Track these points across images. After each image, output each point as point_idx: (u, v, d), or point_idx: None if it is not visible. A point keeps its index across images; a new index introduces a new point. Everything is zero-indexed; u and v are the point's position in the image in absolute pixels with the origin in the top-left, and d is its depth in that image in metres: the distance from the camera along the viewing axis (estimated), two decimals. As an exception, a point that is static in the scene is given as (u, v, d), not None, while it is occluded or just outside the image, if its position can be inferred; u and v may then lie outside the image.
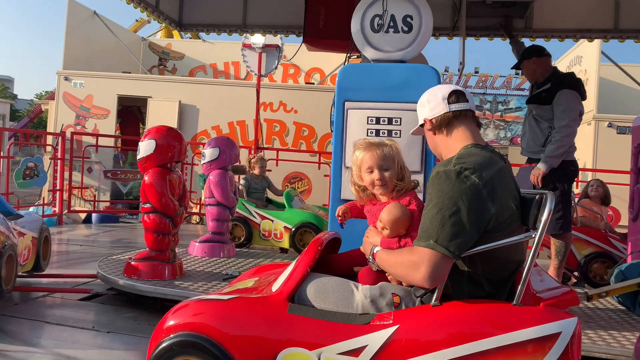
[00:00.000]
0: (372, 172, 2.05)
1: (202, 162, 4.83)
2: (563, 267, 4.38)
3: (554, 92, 4.22)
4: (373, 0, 3.63)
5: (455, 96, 1.93)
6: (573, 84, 4.27)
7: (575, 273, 5.11)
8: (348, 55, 4.47)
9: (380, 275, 1.91)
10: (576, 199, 5.49)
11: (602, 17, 5.13)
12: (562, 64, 10.06)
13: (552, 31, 5.32)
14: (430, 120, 1.97)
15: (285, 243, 5.64)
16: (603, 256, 4.93)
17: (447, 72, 21.45)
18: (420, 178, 3.35)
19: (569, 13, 5.23)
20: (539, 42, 5.36)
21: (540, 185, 4.17)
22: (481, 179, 1.69)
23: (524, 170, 4.50)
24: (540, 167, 4.16)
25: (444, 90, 1.95)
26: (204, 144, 5.13)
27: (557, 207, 4.17)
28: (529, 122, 4.49)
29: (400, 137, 3.35)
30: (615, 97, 8.36)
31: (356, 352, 1.70)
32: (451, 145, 1.92)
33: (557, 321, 1.62)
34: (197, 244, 4.69)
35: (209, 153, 4.74)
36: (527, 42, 5.45)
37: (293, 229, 5.58)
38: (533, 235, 1.71)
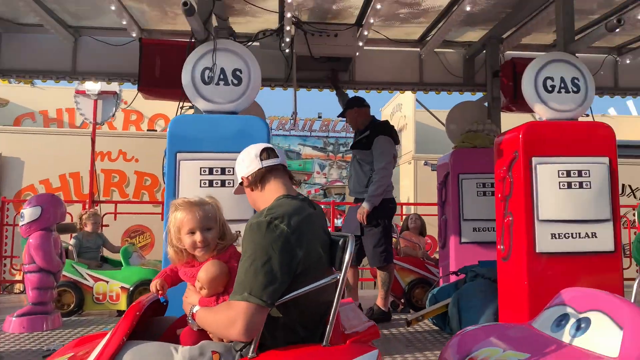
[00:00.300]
0: (193, 233, 1.99)
1: (21, 223, 4.39)
2: (389, 295, 4.81)
3: (372, 138, 4.74)
4: (203, 53, 3.74)
5: (267, 153, 2.09)
6: (387, 131, 4.84)
7: (402, 300, 5.63)
8: (181, 105, 4.51)
9: (202, 335, 1.91)
10: (398, 232, 6.09)
11: (410, 73, 5.92)
12: (386, 111, 11.22)
13: (371, 84, 5.97)
14: (247, 177, 2.10)
15: (123, 305, 5.18)
16: (423, 282, 5.50)
17: (294, 116, 22.27)
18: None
19: (384, 68, 5.93)
20: (361, 93, 5.97)
21: (365, 223, 4.59)
22: (289, 226, 1.81)
23: (352, 209, 4.91)
24: (365, 206, 4.59)
25: (256, 148, 2.11)
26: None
27: (380, 241, 4.61)
28: (353, 166, 4.96)
29: (233, 186, 3.47)
30: (430, 138, 9.52)
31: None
32: (266, 198, 2.05)
33: (361, 356, 1.81)
34: (13, 318, 4.20)
35: (28, 213, 4.34)
36: (351, 93, 6.04)
37: (131, 289, 5.17)
38: (338, 277, 1.84)
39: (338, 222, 7.89)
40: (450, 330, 4.07)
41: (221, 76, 3.73)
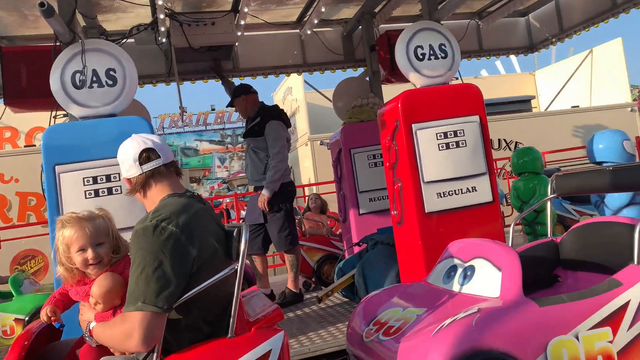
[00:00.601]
0: (84, 251, 1.90)
1: None
2: (299, 276, 4.92)
3: (263, 124, 4.75)
4: (71, 56, 3.51)
5: (146, 155, 1.97)
6: (277, 115, 4.87)
7: (313, 279, 5.77)
8: (54, 115, 4.22)
9: (102, 351, 1.86)
10: (301, 213, 6.21)
11: (293, 55, 5.98)
12: (278, 96, 11.25)
13: (256, 69, 5.95)
14: (129, 180, 2.01)
15: (20, 338, 4.80)
16: (330, 258, 5.67)
17: (186, 112, 21.79)
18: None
19: (267, 53, 5.93)
20: (248, 80, 5.94)
21: (267, 210, 4.63)
22: (177, 226, 1.77)
23: (253, 198, 4.92)
24: (265, 193, 4.61)
25: (135, 150, 1.97)
26: None
27: (284, 226, 4.68)
28: (249, 155, 4.95)
29: (120, 192, 3.33)
30: (324, 118, 9.72)
31: None
32: (152, 200, 1.98)
33: (267, 340, 1.86)
34: None
35: None
36: (238, 81, 5.99)
37: (27, 319, 4.75)
38: (236, 267, 1.86)
39: (244, 213, 7.86)
40: (359, 299, 4.24)
41: (94, 78, 3.53)
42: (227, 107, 5.34)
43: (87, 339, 1.87)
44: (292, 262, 4.77)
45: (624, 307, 2.30)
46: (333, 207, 6.67)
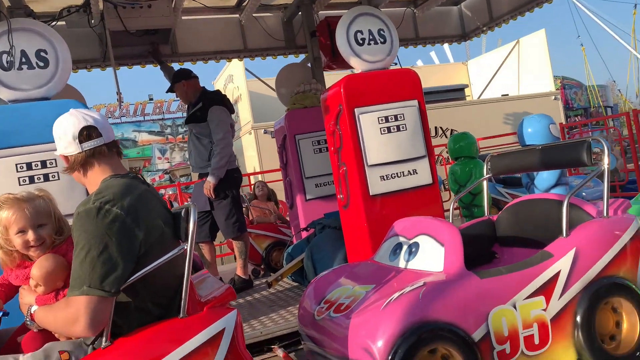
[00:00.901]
0: (24, 232, 1.82)
1: None
2: (247, 263, 4.90)
3: (206, 109, 4.66)
4: (-5, 35, 3.31)
5: (87, 133, 1.86)
6: (220, 100, 4.80)
7: (262, 266, 5.77)
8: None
9: (46, 337, 1.78)
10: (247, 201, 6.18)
11: (233, 40, 5.89)
12: (219, 84, 11.05)
13: (196, 54, 5.82)
14: (66, 157, 1.90)
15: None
16: (278, 244, 5.70)
17: (123, 101, 20.96)
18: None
19: (206, 38, 5.81)
20: (187, 65, 5.79)
21: (213, 197, 4.56)
22: (122, 208, 1.72)
23: (198, 185, 4.84)
24: (210, 180, 4.54)
25: (74, 127, 1.86)
26: None
27: (231, 213, 4.64)
28: (192, 141, 4.85)
29: (58, 178, 3.19)
30: (266, 106, 9.66)
31: None
32: (92, 181, 1.91)
33: (220, 319, 1.85)
34: None
35: None
36: (177, 66, 5.84)
37: None
38: (185, 247, 1.84)
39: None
40: (309, 282, 4.30)
41: (23, 59, 3.35)
42: (167, 92, 5.19)
43: (28, 323, 1.79)
44: (241, 248, 4.75)
45: (555, 277, 2.46)
46: (280, 195, 6.66)
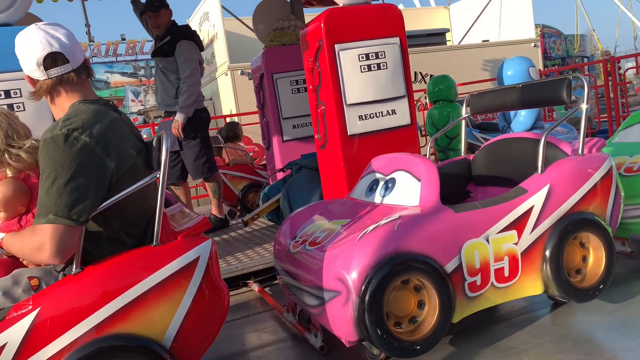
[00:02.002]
0: None
1: None
2: (222, 203, 4.88)
3: (174, 44, 4.47)
4: (-50, -45, 3.08)
5: (52, 60, 1.76)
6: (189, 35, 4.60)
7: (238, 207, 5.77)
8: None
9: (14, 262, 1.77)
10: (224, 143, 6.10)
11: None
12: (193, 22, 10.62)
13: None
14: (32, 80, 1.81)
15: None
16: (255, 186, 5.69)
17: (93, 41, 20.04)
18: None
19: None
20: (160, 0, 5.53)
21: (182, 136, 4.46)
22: (91, 137, 1.67)
23: (164, 124, 4.71)
24: (178, 119, 4.42)
25: (37, 53, 1.75)
26: None
27: (201, 153, 4.55)
28: (158, 77, 4.66)
29: (24, 109, 3.07)
30: (244, 47, 9.37)
31: (-6, 355, 1.57)
32: (60, 107, 1.83)
33: (194, 248, 1.84)
34: None
35: None
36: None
37: None
38: (158, 176, 1.81)
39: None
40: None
41: (-19, -18, 3.15)
42: (140, 14, 4.81)
43: None
44: (214, 188, 4.71)
45: (528, 212, 2.50)
46: (257, 138, 6.58)
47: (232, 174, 5.72)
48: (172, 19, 4.71)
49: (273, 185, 4.84)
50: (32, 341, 1.59)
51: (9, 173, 1.86)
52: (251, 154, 6.39)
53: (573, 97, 2.86)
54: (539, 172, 2.62)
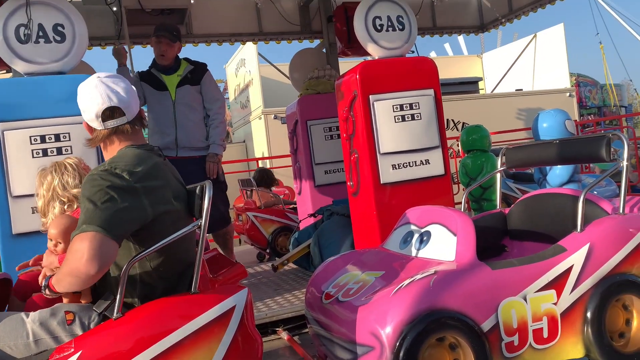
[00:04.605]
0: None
1: None
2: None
3: (201, 73, 4.39)
4: (14, 8, 3.30)
5: (110, 112, 1.88)
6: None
7: (267, 250, 5.79)
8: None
9: (52, 302, 1.82)
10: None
11: (249, 23, 5.86)
12: (230, 68, 11.02)
13: (211, 36, 5.79)
14: (90, 127, 1.95)
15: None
16: (285, 229, 5.70)
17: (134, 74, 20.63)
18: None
19: (222, 19, 5.78)
20: (201, 47, 5.83)
21: (214, 176, 4.30)
22: (132, 176, 1.75)
23: (187, 165, 4.64)
24: (219, 152, 4.30)
25: (97, 106, 1.87)
26: None
27: (226, 199, 4.52)
28: (182, 114, 4.41)
29: (71, 152, 3.20)
30: (278, 92, 9.63)
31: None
32: (111, 153, 1.95)
33: (231, 296, 1.86)
34: None
35: None
36: (189, 47, 5.84)
37: None
38: (200, 224, 1.85)
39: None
40: (315, 268, 4.30)
41: (40, 33, 3.34)
42: (155, 34, 4.47)
43: (42, 288, 1.80)
44: (231, 237, 4.60)
45: (568, 271, 2.44)
46: (288, 181, 6.66)
47: (262, 216, 5.76)
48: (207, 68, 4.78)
49: (304, 230, 4.85)
50: (72, 386, 1.60)
51: (66, 210, 1.99)
52: (281, 196, 6.44)
53: (613, 153, 2.83)
54: (579, 230, 2.57)
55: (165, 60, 4.34)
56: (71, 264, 1.63)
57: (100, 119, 1.88)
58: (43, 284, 1.79)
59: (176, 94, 4.29)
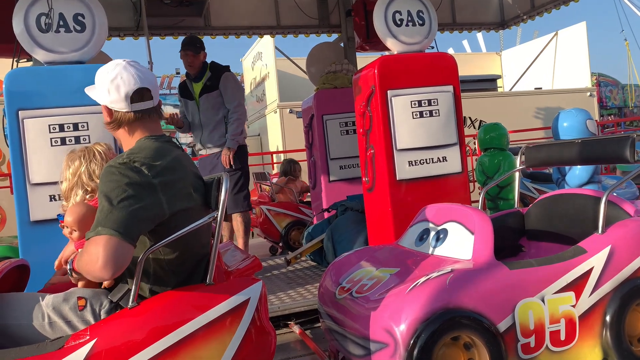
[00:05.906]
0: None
1: None
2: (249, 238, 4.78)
3: (218, 77, 4.54)
4: (35, -3, 3.33)
5: (139, 95, 1.83)
6: (227, 68, 4.69)
7: (280, 244, 5.78)
8: (16, 59, 4.00)
9: (70, 285, 1.84)
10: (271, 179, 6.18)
11: (266, 16, 5.85)
12: (247, 61, 11.02)
13: (229, 29, 5.80)
14: (110, 110, 1.87)
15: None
16: (298, 224, 5.69)
17: (151, 67, 20.79)
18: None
19: (240, 12, 5.78)
20: (219, 39, 5.81)
21: (230, 166, 4.41)
22: (150, 170, 1.72)
23: (204, 160, 4.70)
24: (231, 146, 4.43)
25: (130, 85, 1.82)
26: None
27: (243, 186, 4.55)
28: (204, 117, 4.67)
29: (89, 142, 3.22)
30: (294, 86, 9.61)
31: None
32: (129, 140, 1.90)
33: (245, 289, 1.85)
34: None
35: None
36: (207, 40, 5.82)
37: None
38: (215, 215, 1.83)
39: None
40: (327, 263, 4.29)
41: (61, 22, 3.36)
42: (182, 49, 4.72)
43: (68, 272, 1.82)
44: (247, 224, 4.62)
45: (587, 273, 2.39)
46: (302, 176, 6.65)
47: (276, 210, 5.76)
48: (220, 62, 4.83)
49: (317, 225, 4.83)
50: (87, 372, 1.61)
51: (87, 199, 2.01)
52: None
53: (637, 154, 2.76)
54: (600, 232, 2.52)
55: (193, 69, 4.70)
56: (87, 265, 1.63)
57: (129, 99, 1.83)
58: (68, 268, 1.80)
59: (199, 101, 4.68)
